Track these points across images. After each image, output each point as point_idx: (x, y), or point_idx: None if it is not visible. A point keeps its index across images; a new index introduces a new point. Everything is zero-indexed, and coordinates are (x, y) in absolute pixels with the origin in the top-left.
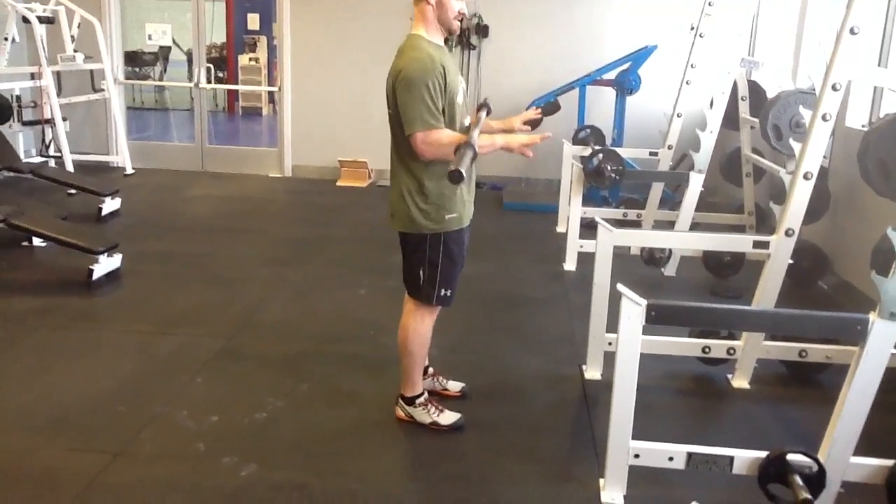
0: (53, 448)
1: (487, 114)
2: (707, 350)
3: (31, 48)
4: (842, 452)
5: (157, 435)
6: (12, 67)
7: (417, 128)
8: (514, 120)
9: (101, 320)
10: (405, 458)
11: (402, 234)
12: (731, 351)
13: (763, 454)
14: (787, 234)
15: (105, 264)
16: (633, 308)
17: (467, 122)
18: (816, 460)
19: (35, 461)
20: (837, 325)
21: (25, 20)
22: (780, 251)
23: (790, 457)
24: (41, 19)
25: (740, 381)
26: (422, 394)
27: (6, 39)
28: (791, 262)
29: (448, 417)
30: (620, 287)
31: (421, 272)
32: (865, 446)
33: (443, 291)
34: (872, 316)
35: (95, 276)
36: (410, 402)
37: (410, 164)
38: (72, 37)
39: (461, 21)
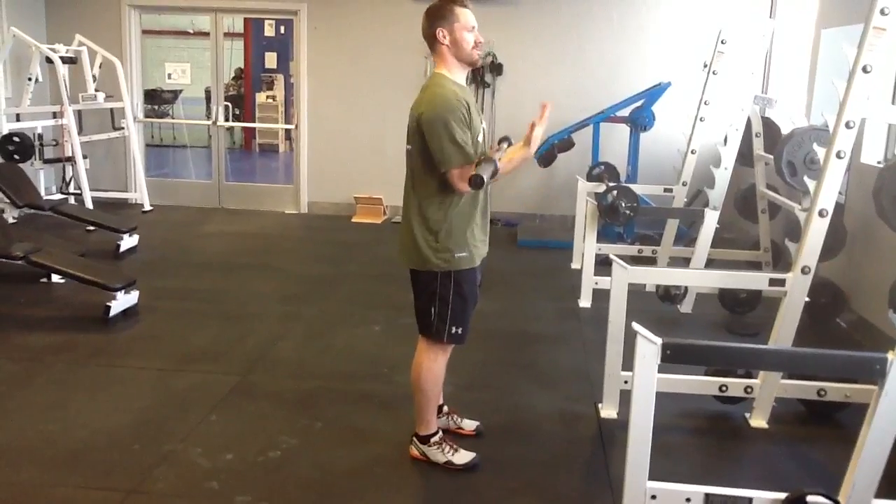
0: (67, 485)
1: (508, 146)
2: (724, 389)
3: (54, 88)
4: (863, 494)
5: (171, 473)
6: (35, 107)
7: (454, 164)
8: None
9: (117, 356)
10: (419, 498)
11: (412, 271)
12: (749, 389)
13: (782, 496)
14: (804, 271)
15: (122, 301)
16: (649, 347)
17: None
18: (837, 502)
19: (49, 497)
20: (855, 364)
21: (49, 60)
22: (796, 289)
23: (810, 499)
24: (64, 60)
25: (758, 420)
26: (436, 432)
27: (30, 79)
28: (808, 299)
29: (463, 457)
30: (636, 326)
31: (432, 310)
32: (888, 487)
33: (454, 329)
34: (891, 355)
35: (112, 312)
36: (425, 440)
37: (423, 202)
38: (93, 76)
39: (480, 50)
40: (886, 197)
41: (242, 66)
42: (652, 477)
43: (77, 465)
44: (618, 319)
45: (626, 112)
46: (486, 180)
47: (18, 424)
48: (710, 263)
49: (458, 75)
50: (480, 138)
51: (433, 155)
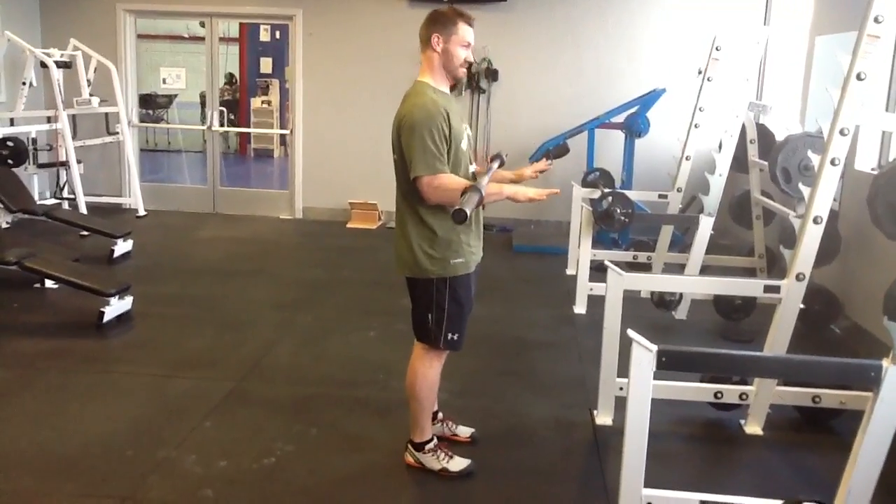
0: (61, 492)
1: (500, 165)
2: (719, 395)
3: (48, 92)
4: (858, 501)
5: (165, 480)
6: (29, 111)
7: (423, 172)
8: (525, 170)
9: (111, 363)
10: None
11: (409, 279)
12: (744, 396)
13: (778, 503)
14: (798, 278)
15: (116, 306)
16: (644, 354)
17: (472, 168)
18: None
19: None
20: (850, 371)
21: (43, 65)
22: (791, 296)
23: None
24: (59, 64)
25: (753, 427)
26: (431, 439)
27: (24, 84)
28: (803, 306)
29: (457, 464)
30: (631, 333)
31: (429, 316)
32: (883, 495)
33: (450, 335)
34: (885, 362)
35: (106, 318)
36: (419, 448)
37: (416, 210)
38: (88, 81)
39: (468, 69)
40: (881, 204)
41: (232, 71)
42: (647, 484)
43: (71, 472)
44: (613, 326)
45: (620, 118)
46: (468, 214)
47: (11, 432)
48: (705, 270)
49: (441, 84)
50: (465, 146)
51: (406, 162)
